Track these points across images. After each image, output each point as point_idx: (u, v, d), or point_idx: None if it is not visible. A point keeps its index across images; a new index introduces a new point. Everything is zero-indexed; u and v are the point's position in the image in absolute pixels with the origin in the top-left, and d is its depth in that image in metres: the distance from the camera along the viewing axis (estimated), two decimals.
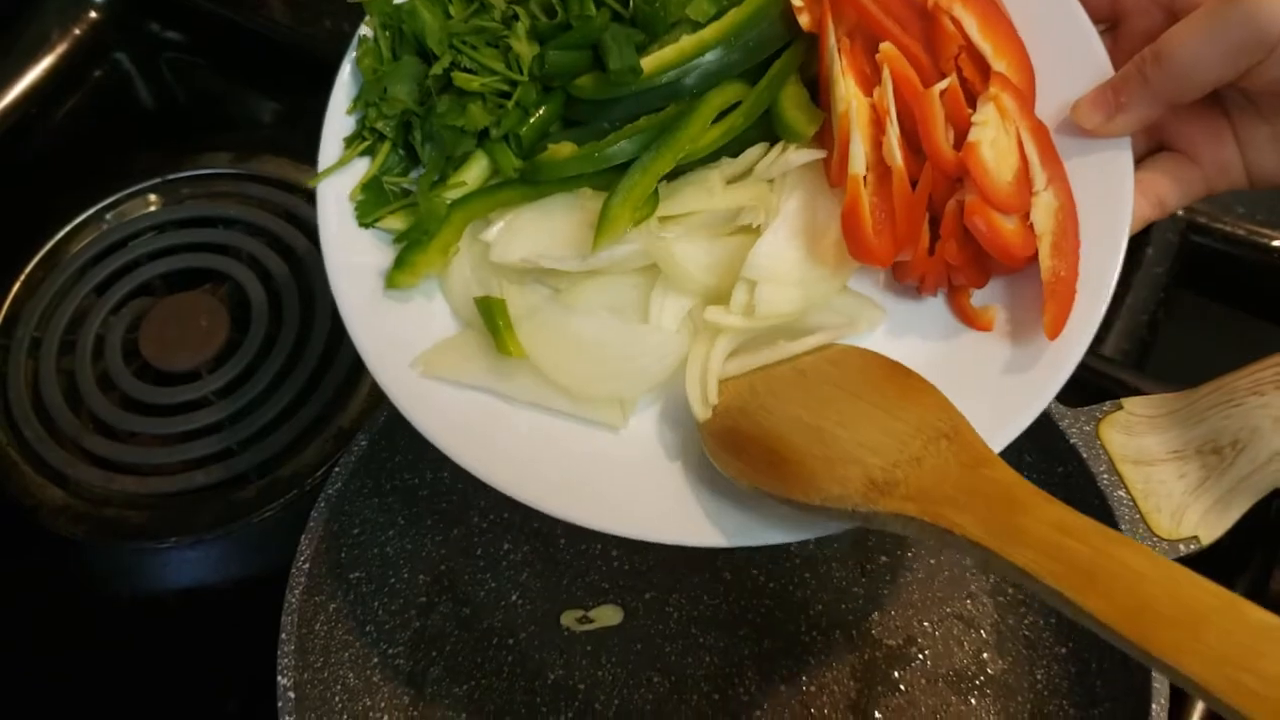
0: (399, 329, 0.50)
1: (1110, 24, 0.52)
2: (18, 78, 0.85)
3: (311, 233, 0.76)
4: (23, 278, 0.78)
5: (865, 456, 0.46)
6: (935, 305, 0.51)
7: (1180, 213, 0.79)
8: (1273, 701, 0.36)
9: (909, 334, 0.50)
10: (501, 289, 0.50)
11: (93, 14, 0.88)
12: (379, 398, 0.63)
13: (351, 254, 0.51)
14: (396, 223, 0.51)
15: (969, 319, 0.49)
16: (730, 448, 0.49)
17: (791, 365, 0.52)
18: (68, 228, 0.80)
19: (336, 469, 0.60)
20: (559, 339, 0.49)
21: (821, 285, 0.50)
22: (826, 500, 0.46)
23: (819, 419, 0.49)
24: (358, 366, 0.73)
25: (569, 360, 0.49)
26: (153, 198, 0.81)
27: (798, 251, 0.50)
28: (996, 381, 0.48)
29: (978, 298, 0.50)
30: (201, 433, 0.71)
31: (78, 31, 0.87)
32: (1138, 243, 0.79)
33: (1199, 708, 0.60)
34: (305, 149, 0.80)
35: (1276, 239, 0.79)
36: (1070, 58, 0.50)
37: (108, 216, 0.80)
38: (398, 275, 0.50)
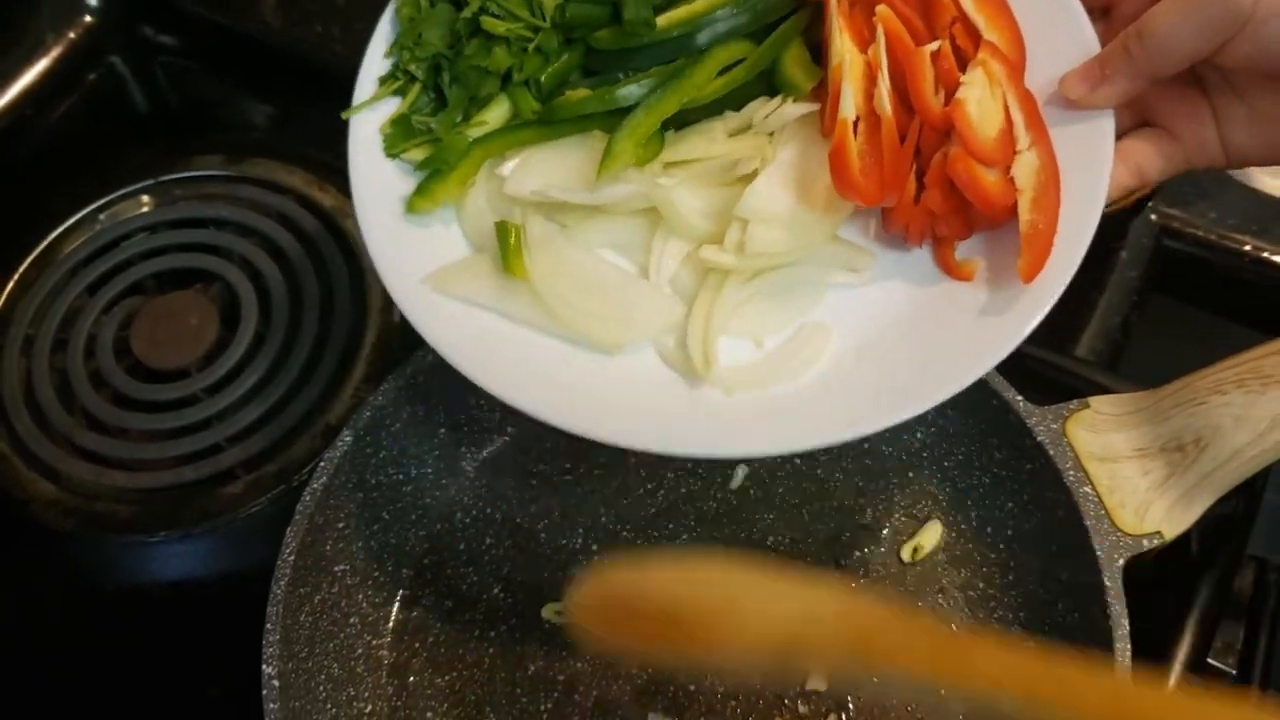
0: (415, 250, 0.55)
1: (1103, 9, 0.55)
2: (13, 80, 0.87)
3: (302, 235, 0.78)
4: (16, 277, 0.79)
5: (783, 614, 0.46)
6: (921, 257, 0.54)
7: (1154, 218, 0.81)
8: None
9: (894, 279, 0.53)
10: (522, 215, 0.54)
11: (87, 18, 0.89)
12: (364, 396, 0.64)
13: (376, 182, 0.56)
14: (420, 154, 0.56)
15: (951, 270, 0.53)
16: (614, 620, 0.48)
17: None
18: (61, 228, 0.81)
19: (321, 464, 0.62)
20: (563, 270, 0.54)
21: (811, 229, 0.53)
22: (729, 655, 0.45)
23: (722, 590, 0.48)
24: (344, 366, 0.74)
25: (570, 292, 0.53)
26: (145, 199, 0.82)
27: (789, 196, 0.54)
28: (973, 323, 0.51)
29: (961, 250, 0.53)
30: (190, 429, 0.72)
31: (72, 35, 0.89)
32: (1112, 246, 0.80)
33: (1173, 672, 0.62)
34: (296, 152, 0.82)
35: (1247, 244, 0.80)
36: (1060, 37, 0.53)
37: (101, 217, 0.81)
38: (418, 201, 0.55)
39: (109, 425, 0.72)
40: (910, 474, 0.67)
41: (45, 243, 0.81)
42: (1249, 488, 0.70)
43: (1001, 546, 0.64)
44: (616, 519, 0.67)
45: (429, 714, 0.62)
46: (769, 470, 0.68)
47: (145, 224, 0.80)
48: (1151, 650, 0.63)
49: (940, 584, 0.65)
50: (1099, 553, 0.57)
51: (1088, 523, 0.58)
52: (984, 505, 0.65)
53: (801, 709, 0.62)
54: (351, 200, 0.55)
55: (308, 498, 0.60)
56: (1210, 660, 0.67)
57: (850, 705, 0.62)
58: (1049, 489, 0.60)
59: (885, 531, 0.66)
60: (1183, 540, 0.68)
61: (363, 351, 0.75)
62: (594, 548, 0.67)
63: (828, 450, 0.68)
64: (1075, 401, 0.61)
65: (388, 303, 0.77)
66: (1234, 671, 0.69)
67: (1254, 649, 0.70)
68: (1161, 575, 0.67)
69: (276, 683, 0.57)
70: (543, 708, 0.62)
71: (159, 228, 0.80)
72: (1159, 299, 0.83)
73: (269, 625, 0.58)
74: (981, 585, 0.64)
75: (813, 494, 0.68)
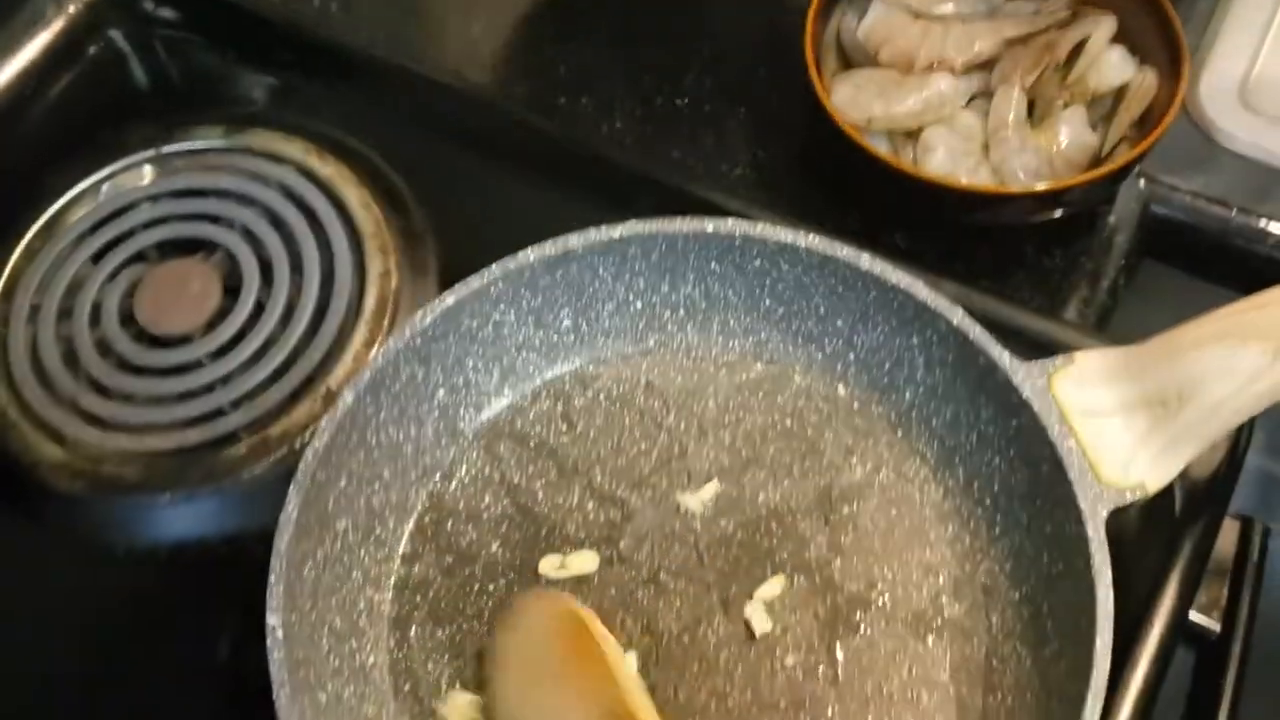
0: None
1: None
2: (14, 54, 0.88)
3: (302, 204, 0.80)
4: (21, 247, 0.80)
5: None
6: None
7: (1142, 184, 0.82)
8: None
9: None
10: None
11: None
12: (363, 361, 0.66)
13: None
14: None
15: None
16: None
17: (516, 640, 0.60)
18: (64, 199, 0.82)
19: (323, 422, 0.63)
20: None
21: None
22: None
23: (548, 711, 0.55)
24: (344, 332, 0.76)
25: None
26: (147, 170, 0.83)
27: None
28: None
29: None
30: (194, 394, 0.73)
31: (72, 10, 0.90)
32: (1099, 211, 0.81)
33: (1150, 641, 0.63)
34: (295, 123, 0.84)
35: (1235, 210, 0.81)
36: None
37: (103, 188, 0.83)
38: None
39: (114, 390, 0.74)
40: (899, 433, 0.69)
41: (49, 214, 0.82)
42: (1233, 449, 0.72)
43: (988, 501, 0.66)
44: (612, 478, 0.69)
45: (430, 664, 0.64)
46: (760, 430, 0.70)
47: (147, 194, 0.81)
48: (1135, 607, 0.64)
49: (929, 538, 0.66)
50: (1083, 505, 0.59)
51: (1072, 476, 0.59)
52: (971, 462, 0.66)
53: (789, 660, 0.63)
54: None
55: (309, 455, 0.62)
56: (1193, 616, 0.69)
57: (840, 656, 0.63)
58: (1034, 444, 0.62)
59: (873, 489, 0.68)
60: (1167, 502, 0.70)
61: (363, 318, 0.76)
62: (589, 505, 0.68)
63: (817, 411, 0.70)
64: (1060, 357, 0.62)
65: (387, 270, 0.78)
66: (1217, 627, 0.71)
67: (1237, 605, 0.72)
68: (1145, 536, 0.68)
69: (280, 633, 0.58)
70: None
71: (161, 198, 0.81)
72: (1148, 265, 0.84)
73: (273, 578, 0.59)
74: (969, 540, 0.66)
75: (803, 452, 0.69)
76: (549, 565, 0.66)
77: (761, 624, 0.64)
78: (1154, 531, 0.69)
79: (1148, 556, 0.67)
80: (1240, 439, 0.71)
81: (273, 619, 0.58)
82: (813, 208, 0.81)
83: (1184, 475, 0.70)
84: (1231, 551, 0.74)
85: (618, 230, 0.67)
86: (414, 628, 0.65)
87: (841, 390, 0.70)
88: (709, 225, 0.67)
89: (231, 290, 0.77)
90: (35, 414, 0.73)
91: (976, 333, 0.63)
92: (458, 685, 0.63)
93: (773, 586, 0.65)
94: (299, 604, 0.60)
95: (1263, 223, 0.80)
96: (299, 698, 0.57)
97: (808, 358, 0.71)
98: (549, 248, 0.67)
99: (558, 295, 0.69)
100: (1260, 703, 0.75)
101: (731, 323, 0.71)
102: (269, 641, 0.58)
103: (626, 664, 0.51)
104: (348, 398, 0.64)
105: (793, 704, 0.62)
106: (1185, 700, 0.72)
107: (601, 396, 0.71)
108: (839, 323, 0.69)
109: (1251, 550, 0.74)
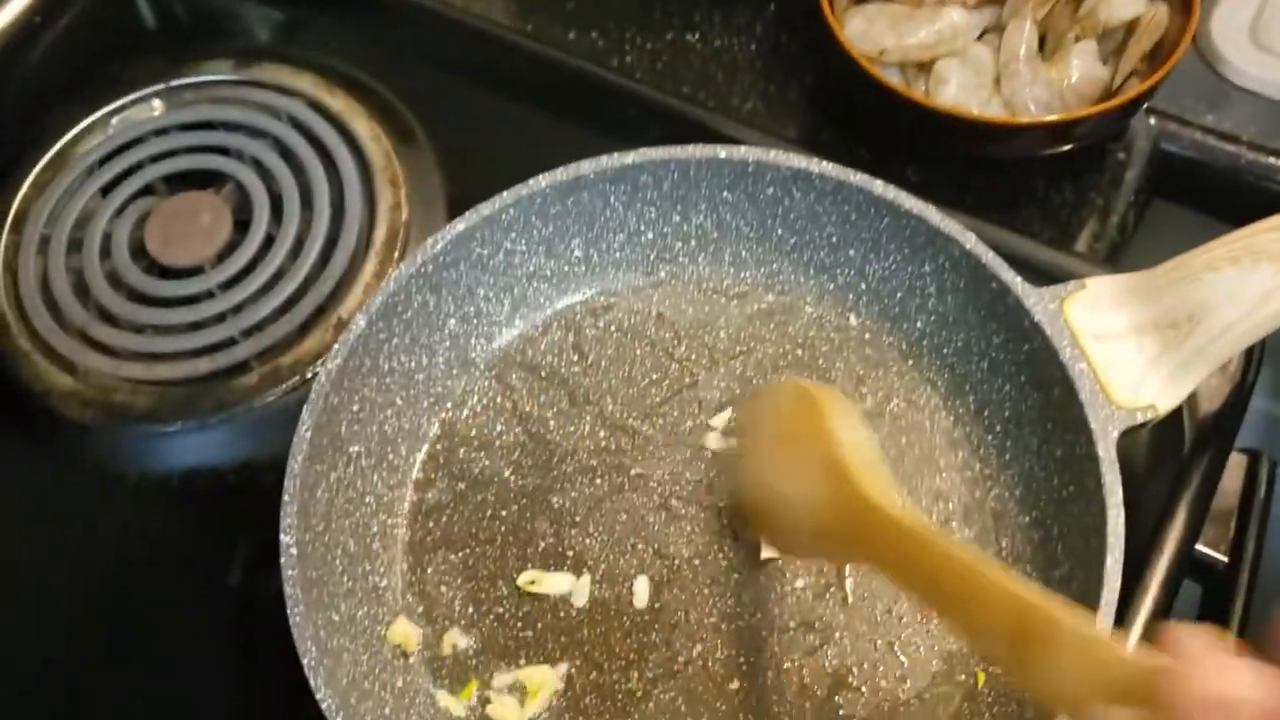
0: None
1: None
2: None
3: (312, 137, 0.80)
4: (31, 179, 0.80)
5: (806, 514, 0.55)
6: None
7: (1152, 121, 0.82)
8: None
9: None
10: None
11: None
12: (374, 291, 0.65)
13: None
14: None
15: None
16: (760, 523, 0.63)
17: (756, 420, 0.63)
18: (73, 132, 0.82)
19: (336, 346, 0.63)
20: None
21: None
22: (809, 557, 0.61)
23: (775, 481, 0.58)
24: (354, 263, 0.76)
25: None
26: (156, 103, 0.83)
27: None
28: None
29: None
30: (205, 323, 0.73)
31: None
32: (1109, 147, 0.81)
33: (1159, 568, 0.64)
34: (304, 57, 0.83)
35: (1246, 147, 0.81)
36: None
37: (112, 121, 0.82)
38: None
39: (125, 320, 0.74)
40: (910, 362, 0.69)
41: (57, 147, 0.82)
42: (1241, 382, 0.72)
43: (999, 428, 0.66)
44: (623, 407, 0.69)
45: (443, 588, 0.64)
46: (771, 361, 0.70)
47: (156, 127, 0.81)
48: (1142, 540, 0.64)
49: (939, 465, 0.66)
50: (1094, 426, 0.59)
51: (1083, 398, 0.59)
52: (982, 389, 0.67)
53: (799, 584, 0.64)
54: None
55: (323, 377, 0.62)
56: (1200, 548, 0.69)
57: (849, 580, 0.64)
58: (1046, 368, 0.62)
59: (884, 418, 0.68)
60: (1175, 436, 0.70)
61: (373, 249, 0.76)
62: (601, 434, 0.68)
63: (828, 341, 0.70)
64: (1072, 282, 0.62)
65: (397, 203, 0.78)
66: (1224, 559, 0.71)
67: (1244, 537, 0.72)
68: (1154, 469, 0.69)
69: (294, 551, 0.58)
70: None
71: (170, 130, 0.81)
72: (1156, 206, 0.84)
73: (286, 498, 0.59)
74: (978, 466, 0.66)
75: (814, 382, 0.69)
76: (525, 579, 0.65)
77: (769, 548, 0.64)
78: (1163, 465, 0.69)
79: (1156, 490, 0.68)
80: (1248, 373, 0.72)
81: (286, 537, 0.58)
82: (823, 142, 0.81)
83: (1192, 409, 0.71)
84: (1238, 487, 0.74)
85: (630, 156, 0.67)
86: (427, 553, 0.65)
87: (853, 320, 0.70)
88: (722, 152, 0.66)
89: (241, 224, 0.77)
90: (46, 343, 0.73)
91: (989, 258, 0.63)
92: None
93: None
94: (312, 525, 0.61)
95: (1273, 159, 0.80)
96: (313, 616, 0.57)
97: (819, 288, 0.71)
98: (561, 174, 0.67)
99: (569, 224, 0.69)
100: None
101: (743, 253, 0.71)
102: (283, 560, 0.58)
103: (851, 426, 0.55)
104: (360, 322, 0.64)
105: (802, 626, 0.63)
106: None
107: (613, 327, 0.71)
108: (851, 252, 0.69)
109: (1259, 484, 0.74)
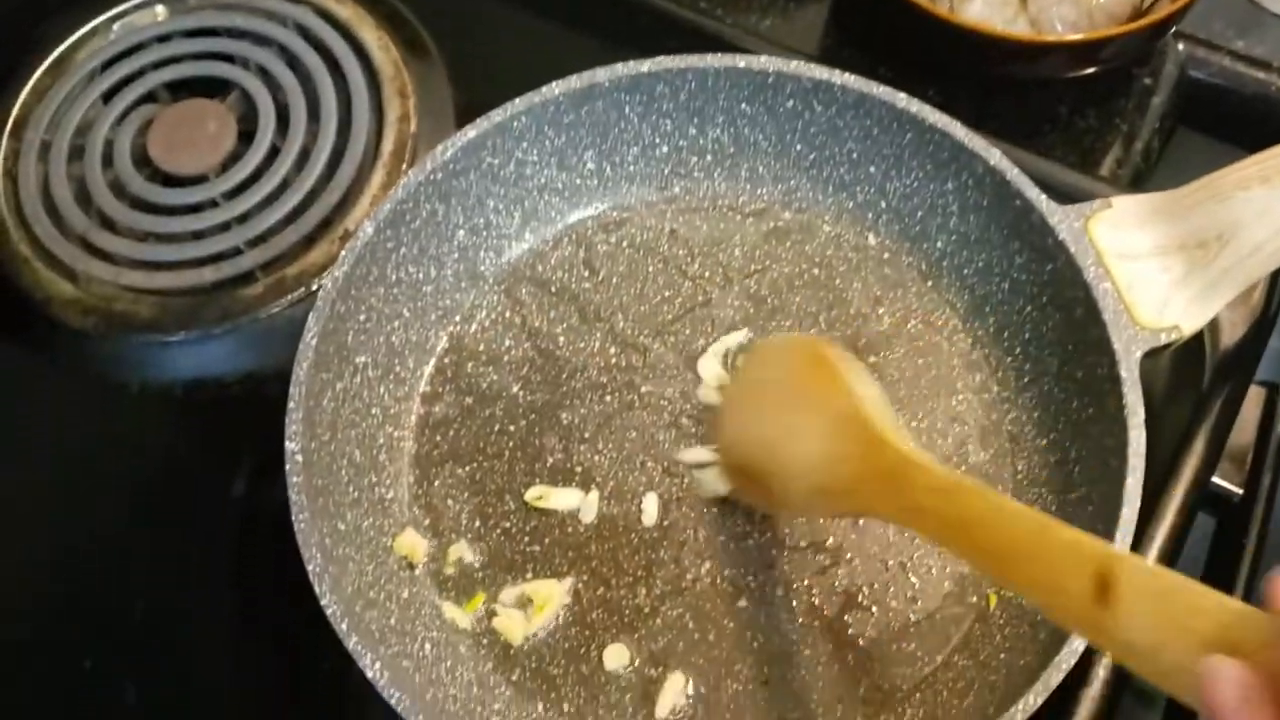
0: None
1: None
2: None
3: (319, 45, 0.77)
4: (30, 84, 0.79)
5: (808, 471, 0.53)
6: None
7: (1181, 46, 0.80)
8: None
9: None
10: None
11: None
12: (382, 199, 0.64)
13: None
14: None
15: None
16: (740, 482, 0.60)
17: (751, 376, 0.61)
18: (73, 37, 0.80)
19: (344, 253, 0.62)
20: None
21: None
22: (793, 513, 0.58)
23: (774, 433, 0.56)
24: (361, 174, 0.74)
25: None
26: (159, 9, 0.81)
27: None
28: None
29: None
30: (209, 232, 0.72)
31: None
32: (1135, 73, 0.79)
33: (1179, 489, 0.63)
34: None
35: (1276, 73, 0.79)
36: None
37: (114, 27, 0.81)
38: None
39: (127, 227, 0.72)
40: (929, 283, 0.68)
41: (58, 52, 0.80)
42: (1263, 312, 0.71)
43: (1018, 350, 0.65)
44: (634, 324, 0.68)
45: (449, 500, 0.63)
46: (786, 280, 0.69)
47: (159, 33, 0.79)
48: (1158, 471, 0.64)
49: (955, 386, 0.65)
50: (1117, 346, 0.58)
51: (1106, 318, 0.58)
52: (1002, 311, 0.65)
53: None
54: None
55: (329, 284, 0.61)
56: (1216, 480, 0.68)
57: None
58: (1068, 288, 0.61)
59: (901, 339, 0.67)
60: (1195, 368, 0.69)
61: (380, 161, 0.75)
62: (611, 351, 0.67)
63: (846, 260, 0.69)
64: (1098, 201, 0.61)
65: (405, 114, 0.76)
66: (1240, 492, 0.70)
67: (1259, 471, 0.71)
68: (1173, 397, 0.68)
69: (300, 458, 0.57)
70: None
71: (173, 37, 0.79)
72: (1182, 133, 0.82)
73: (292, 404, 0.58)
74: (996, 388, 0.65)
75: (830, 302, 0.68)
76: (532, 494, 0.64)
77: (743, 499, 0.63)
78: (1181, 396, 0.68)
79: (1173, 422, 0.67)
80: (1270, 304, 0.71)
81: (292, 444, 0.57)
82: (843, 60, 0.77)
83: (1213, 339, 0.70)
84: (1256, 420, 0.73)
85: (646, 65, 0.65)
86: (434, 466, 0.64)
87: (871, 239, 0.69)
88: (741, 61, 0.65)
89: (246, 134, 0.75)
90: (46, 250, 0.72)
91: (1014, 174, 0.62)
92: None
93: None
94: (318, 433, 0.60)
95: None
96: (318, 523, 0.56)
97: (838, 206, 0.69)
98: (575, 81, 0.65)
99: (582, 135, 0.68)
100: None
101: (760, 169, 0.70)
102: (288, 466, 0.57)
103: (864, 381, 0.53)
104: (368, 229, 0.62)
105: (813, 546, 0.62)
106: (1204, 566, 0.72)
107: (624, 243, 0.70)
108: (871, 169, 0.67)
109: (1277, 416, 0.73)
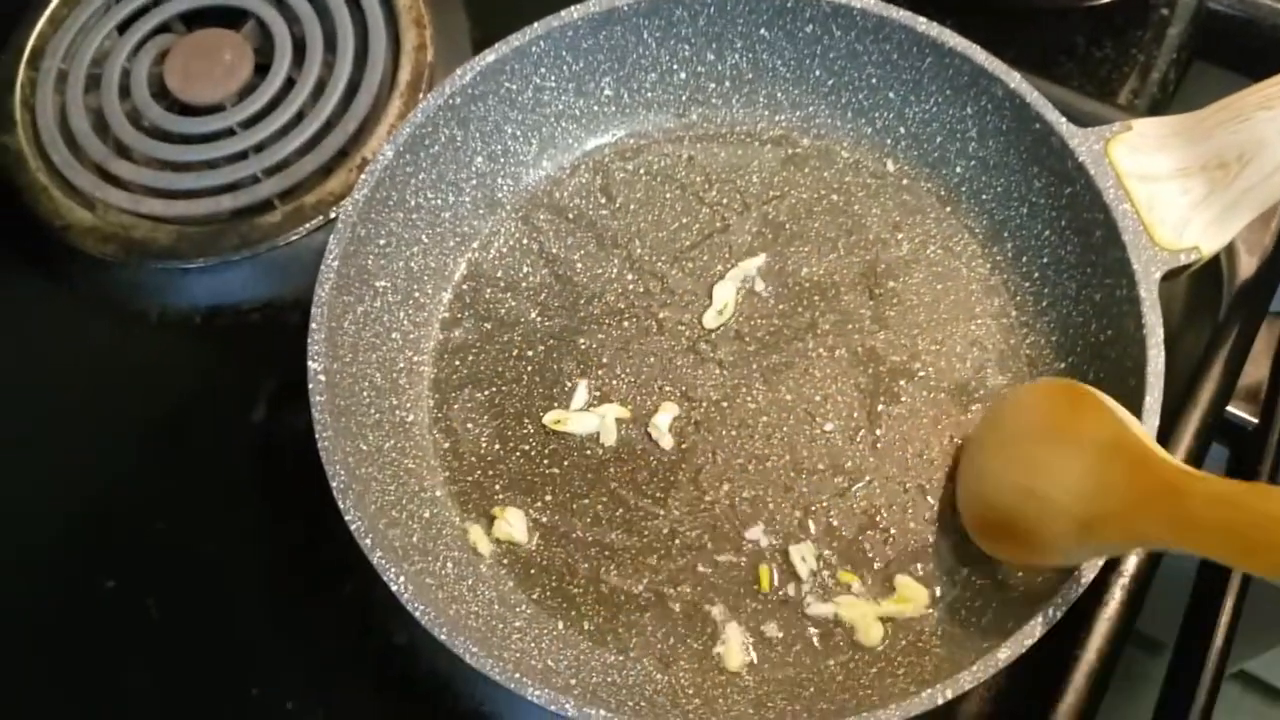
0: None
1: None
2: None
3: None
4: (47, 14, 0.78)
5: (1069, 505, 0.50)
6: None
7: None
8: None
9: None
10: None
11: None
12: (399, 124, 0.64)
13: None
14: None
15: None
16: (990, 538, 0.57)
17: (991, 429, 0.59)
18: None
19: (364, 177, 0.62)
20: None
21: None
22: (1056, 560, 0.52)
23: (1029, 479, 0.54)
24: (378, 104, 0.74)
25: None
26: None
27: None
28: None
29: None
30: (227, 161, 0.72)
31: None
32: (1153, 3, 0.79)
33: (1196, 413, 0.63)
34: None
35: None
36: None
37: None
38: None
39: (144, 156, 0.73)
40: (948, 208, 0.68)
41: None
42: (1277, 249, 0.71)
43: (1036, 275, 0.65)
44: (651, 250, 0.68)
45: (469, 424, 0.64)
46: (805, 206, 0.69)
47: None
48: (1174, 398, 0.64)
49: (974, 311, 0.65)
50: (1136, 267, 0.58)
51: (1126, 239, 0.58)
52: (1020, 235, 0.65)
53: (829, 426, 0.63)
54: None
55: (349, 207, 0.61)
56: (1231, 409, 0.68)
57: (880, 423, 0.63)
58: (1088, 210, 0.61)
59: (919, 264, 0.67)
60: (1212, 296, 0.69)
61: (397, 90, 0.75)
62: (629, 277, 0.67)
63: (864, 187, 0.69)
64: (1118, 123, 0.61)
65: (422, 43, 0.76)
66: (1255, 420, 0.70)
67: (1275, 400, 0.71)
68: (1189, 327, 0.68)
69: (323, 378, 0.58)
70: None
71: None
72: (1199, 67, 0.82)
73: (314, 325, 0.58)
74: (1014, 313, 0.65)
75: (848, 228, 0.68)
76: (551, 418, 0.64)
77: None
78: (1198, 323, 0.68)
79: (1189, 349, 0.67)
80: None
81: (314, 364, 0.58)
82: None
83: (1231, 267, 0.70)
84: (1271, 351, 0.73)
85: None
86: (453, 390, 0.65)
87: (890, 166, 0.69)
88: None
89: (263, 59, 0.75)
90: (64, 178, 0.72)
91: (1033, 97, 0.62)
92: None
93: None
94: (340, 354, 0.60)
95: None
96: (341, 442, 0.57)
97: (856, 132, 0.69)
98: (593, 5, 0.65)
99: (600, 61, 0.67)
100: None
101: (779, 95, 0.69)
102: (311, 385, 0.57)
103: (1121, 408, 0.50)
104: (387, 153, 0.62)
105: (831, 468, 0.62)
106: None
107: (642, 170, 0.70)
108: (890, 94, 0.67)
109: None
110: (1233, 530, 0.43)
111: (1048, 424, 0.54)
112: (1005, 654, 0.51)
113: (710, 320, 0.66)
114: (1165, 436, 0.63)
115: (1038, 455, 0.54)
